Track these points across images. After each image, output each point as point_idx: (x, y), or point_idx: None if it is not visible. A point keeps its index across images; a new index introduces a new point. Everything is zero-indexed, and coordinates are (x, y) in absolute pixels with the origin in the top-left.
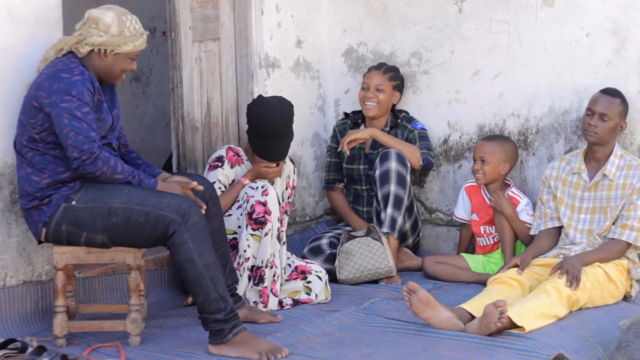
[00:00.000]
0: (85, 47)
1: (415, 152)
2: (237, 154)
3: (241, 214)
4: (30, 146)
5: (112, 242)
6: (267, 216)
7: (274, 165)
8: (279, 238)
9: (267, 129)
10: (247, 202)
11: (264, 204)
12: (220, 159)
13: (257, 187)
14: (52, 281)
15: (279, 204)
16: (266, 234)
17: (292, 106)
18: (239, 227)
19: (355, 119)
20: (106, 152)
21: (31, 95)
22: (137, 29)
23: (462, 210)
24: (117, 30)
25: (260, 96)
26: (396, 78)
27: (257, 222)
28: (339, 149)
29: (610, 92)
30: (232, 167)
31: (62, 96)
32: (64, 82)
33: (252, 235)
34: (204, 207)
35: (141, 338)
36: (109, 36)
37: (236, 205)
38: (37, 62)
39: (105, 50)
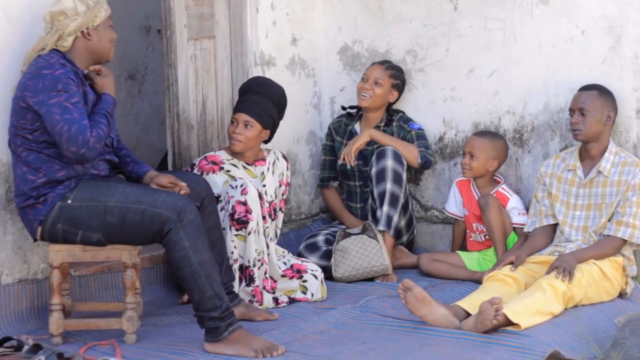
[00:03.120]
0: (67, 40)
1: (413, 150)
2: (214, 162)
3: (224, 216)
4: (24, 146)
5: (108, 240)
6: (248, 215)
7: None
8: (265, 234)
9: (245, 85)
10: (228, 203)
11: (244, 203)
12: (192, 167)
13: (236, 187)
14: (48, 279)
15: (264, 199)
16: (249, 233)
17: (282, 88)
18: (224, 228)
19: (351, 115)
20: (93, 130)
21: (18, 97)
22: None
23: (454, 206)
24: (84, 7)
25: None
26: (397, 77)
27: (240, 222)
28: (339, 162)
29: (586, 87)
30: (202, 174)
31: (49, 92)
32: (47, 78)
33: (236, 235)
34: (184, 185)
35: (137, 336)
36: (81, 16)
37: (219, 206)
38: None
39: (88, 29)
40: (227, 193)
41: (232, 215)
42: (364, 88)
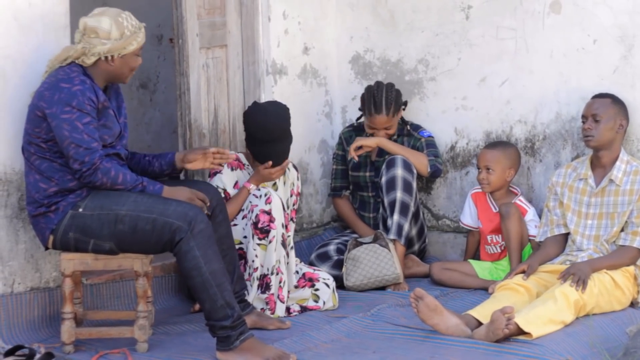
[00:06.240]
0: (91, 58)
1: (422, 159)
2: (238, 160)
3: (246, 224)
4: (38, 154)
5: (119, 249)
6: (271, 224)
7: (276, 167)
8: (284, 244)
9: (265, 134)
10: (252, 211)
11: (269, 212)
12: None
13: (260, 196)
14: (60, 288)
15: (284, 209)
16: (270, 242)
17: (287, 109)
18: (245, 237)
19: (362, 125)
20: (108, 162)
21: (34, 105)
22: (135, 24)
23: (469, 217)
24: (118, 34)
25: (255, 102)
26: (398, 107)
27: (263, 232)
28: (348, 157)
29: (600, 95)
30: (232, 170)
31: (63, 107)
32: (64, 92)
33: (259, 245)
34: (208, 203)
35: (149, 344)
36: (112, 42)
37: (241, 215)
38: (44, 69)
39: (113, 57)
40: (251, 202)
41: (255, 224)
42: (376, 135)
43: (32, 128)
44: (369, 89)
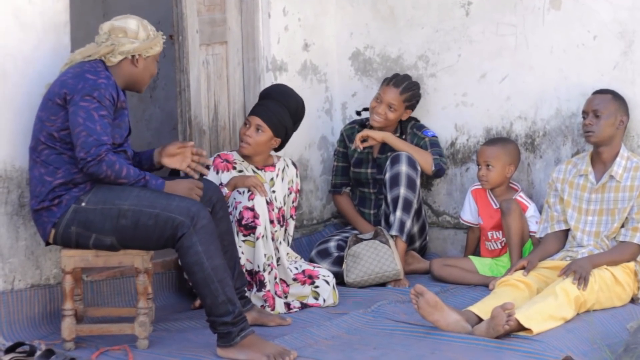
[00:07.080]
0: (117, 57)
1: (427, 157)
2: (227, 160)
3: (231, 221)
4: (47, 144)
5: (120, 244)
6: (256, 220)
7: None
8: (273, 239)
9: (265, 92)
10: (236, 208)
11: (252, 209)
12: (206, 167)
13: (243, 192)
14: (60, 284)
15: (268, 203)
16: (258, 238)
17: (301, 100)
18: None
19: (363, 122)
20: (113, 155)
21: (54, 93)
22: (156, 30)
23: (469, 214)
24: (145, 35)
25: None
26: (412, 98)
27: (248, 228)
28: (353, 147)
29: (600, 91)
30: (217, 172)
31: (84, 95)
32: (89, 82)
33: (244, 241)
34: (192, 144)
35: (149, 341)
36: (140, 41)
37: None
38: (45, 67)
39: (139, 56)
40: (235, 199)
41: (239, 221)
42: (377, 111)
43: (48, 116)
44: (400, 73)
